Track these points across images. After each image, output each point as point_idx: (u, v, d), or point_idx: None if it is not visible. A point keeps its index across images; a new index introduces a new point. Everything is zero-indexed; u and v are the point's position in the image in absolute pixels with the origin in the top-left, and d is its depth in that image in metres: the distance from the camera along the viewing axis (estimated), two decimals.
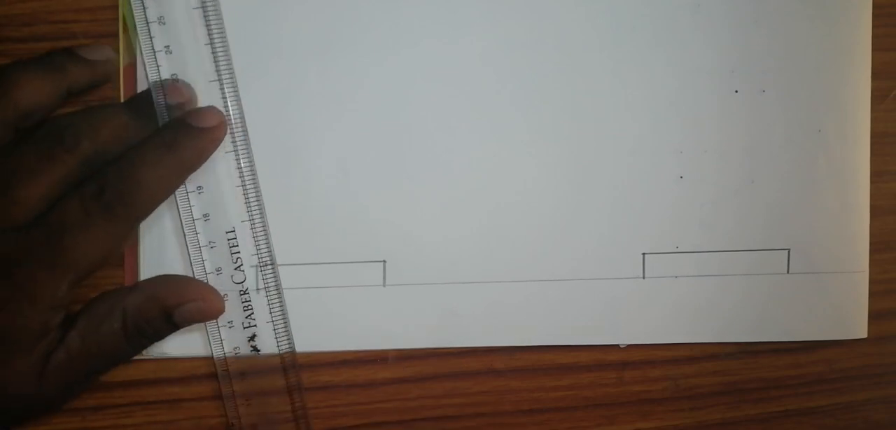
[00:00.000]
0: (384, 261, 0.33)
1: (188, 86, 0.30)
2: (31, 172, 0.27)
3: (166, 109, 0.30)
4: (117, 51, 0.32)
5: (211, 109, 0.30)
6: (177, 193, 0.30)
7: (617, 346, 0.35)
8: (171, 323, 0.30)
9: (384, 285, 0.33)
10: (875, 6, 0.34)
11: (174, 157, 0.29)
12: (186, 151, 0.29)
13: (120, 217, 0.28)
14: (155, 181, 0.28)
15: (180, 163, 0.29)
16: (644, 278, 0.34)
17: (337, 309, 0.33)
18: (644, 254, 0.34)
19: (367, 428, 0.34)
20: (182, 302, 0.30)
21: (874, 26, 0.34)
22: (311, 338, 0.33)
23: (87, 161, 0.28)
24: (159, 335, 0.30)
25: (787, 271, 0.34)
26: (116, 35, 0.32)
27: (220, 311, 0.31)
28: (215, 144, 0.30)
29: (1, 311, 0.27)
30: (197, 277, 0.31)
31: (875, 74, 0.35)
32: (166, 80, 0.30)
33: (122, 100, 0.32)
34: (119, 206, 0.28)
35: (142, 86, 0.32)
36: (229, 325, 0.32)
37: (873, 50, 0.34)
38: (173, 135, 0.29)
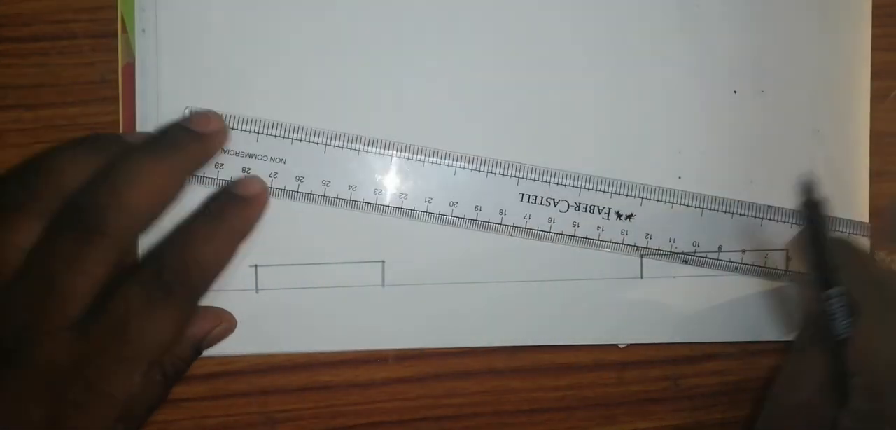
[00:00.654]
0: (383, 261, 0.33)
1: (217, 115, 0.30)
2: (72, 262, 0.25)
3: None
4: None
5: (254, 178, 0.31)
6: None
7: (616, 346, 0.35)
8: (198, 353, 0.31)
9: (383, 286, 0.33)
10: (875, 6, 0.34)
11: (226, 229, 0.29)
12: (236, 220, 0.29)
13: (181, 297, 0.27)
14: (211, 256, 0.28)
15: (232, 234, 0.29)
16: (642, 278, 0.34)
17: (336, 309, 0.33)
18: (642, 254, 0.34)
19: (366, 428, 0.34)
20: (208, 332, 0.30)
21: (874, 26, 0.34)
22: (311, 338, 0.33)
23: (123, 236, 0.26)
24: (189, 367, 0.31)
25: (786, 271, 0.34)
26: (116, 35, 0.32)
27: (235, 326, 0.32)
28: (262, 210, 0.30)
29: (80, 415, 0.25)
30: None
31: (875, 74, 0.35)
32: (199, 111, 0.30)
33: (120, 101, 0.32)
34: (179, 286, 0.27)
35: (142, 86, 0.32)
36: None
37: (873, 50, 0.34)
38: (221, 207, 0.29)
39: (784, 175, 0.34)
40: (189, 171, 0.29)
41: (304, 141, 0.32)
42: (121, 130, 0.32)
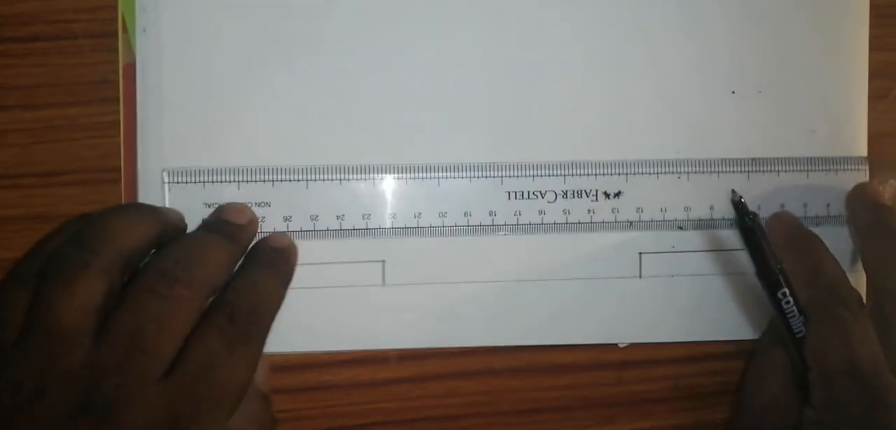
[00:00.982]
0: (383, 261, 0.33)
1: (247, 206, 0.32)
2: (159, 320, 0.26)
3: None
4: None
5: (281, 234, 0.32)
6: None
7: (616, 345, 0.35)
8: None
9: (383, 285, 0.33)
10: (873, 6, 0.35)
11: (276, 274, 0.30)
12: (284, 266, 0.31)
13: (254, 338, 0.28)
14: (271, 298, 0.30)
15: (284, 277, 0.31)
16: (641, 277, 0.34)
17: (336, 309, 0.33)
18: (641, 253, 0.34)
19: (366, 428, 0.34)
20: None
21: (872, 26, 0.35)
22: (311, 338, 0.33)
23: (202, 297, 0.28)
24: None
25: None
26: (116, 35, 0.32)
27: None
28: (296, 257, 0.32)
29: None
30: None
31: (873, 74, 0.35)
32: (232, 204, 0.32)
33: (121, 101, 0.32)
34: (252, 328, 0.28)
35: (141, 85, 0.32)
36: None
37: (871, 50, 0.35)
38: (269, 256, 0.31)
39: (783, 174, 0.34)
40: (238, 258, 0.30)
41: (286, 180, 0.32)
42: (121, 131, 0.32)
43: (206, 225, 0.31)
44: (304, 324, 0.33)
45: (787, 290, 0.29)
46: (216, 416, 0.26)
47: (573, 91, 0.34)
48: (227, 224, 0.31)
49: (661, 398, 0.35)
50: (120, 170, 0.32)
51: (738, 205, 0.29)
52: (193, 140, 0.32)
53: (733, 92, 0.34)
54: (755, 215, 0.29)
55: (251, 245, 0.31)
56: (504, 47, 0.33)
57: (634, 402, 0.35)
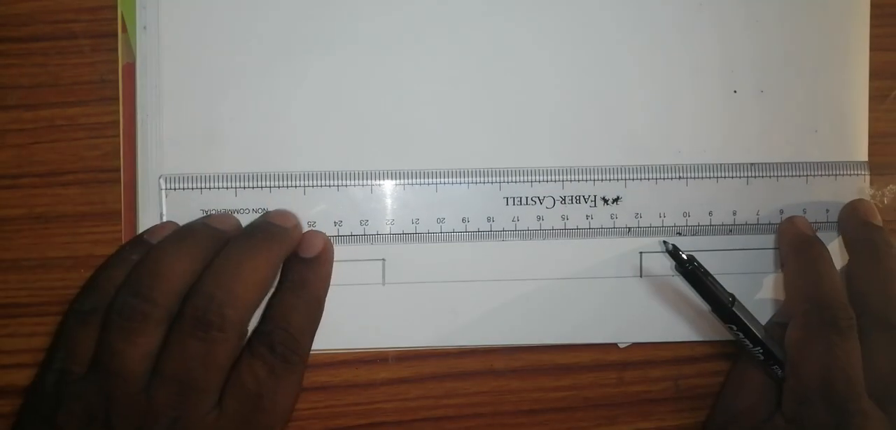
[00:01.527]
0: (383, 260, 0.33)
1: (291, 213, 0.32)
2: (205, 360, 0.28)
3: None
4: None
5: (316, 234, 0.32)
6: None
7: (616, 345, 0.35)
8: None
9: (383, 284, 0.33)
10: (874, 6, 0.35)
11: (311, 293, 0.31)
12: (315, 283, 0.32)
13: (298, 363, 0.30)
14: (306, 322, 0.31)
15: (315, 296, 0.31)
16: (641, 277, 0.34)
17: (336, 308, 0.33)
18: (642, 253, 0.34)
19: (366, 428, 0.34)
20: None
21: (873, 26, 0.35)
22: None
23: (241, 327, 0.29)
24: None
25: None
26: (115, 35, 0.32)
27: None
28: (331, 261, 0.32)
29: None
30: None
31: (874, 74, 0.35)
32: (278, 210, 0.32)
33: (120, 101, 0.32)
34: (292, 354, 0.30)
35: (142, 82, 0.32)
36: None
37: (872, 50, 0.35)
38: (297, 273, 0.31)
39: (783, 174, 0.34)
40: (280, 261, 0.31)
41: (283, 187, 0.32)
42: (121, 130, 0.32)
43: (247, 232, 0.31)
44: None
45: (734, 326, 0.31)
46: None
47: (572, 96, 0.34)
48: (273, 228, 0.31)
49: (662, 399, 0.35)
50: (120, 170, 0.32)
51: (674, 254, 0.29)
52: (193, 139, 0.32)
53: (735, 91, 0.34)
54: (692, 257, 0.30)
55: (291, 258, 0.32)
56: (503, 52, 0.33)
57: (635, 402, 0.35)
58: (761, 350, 0.31)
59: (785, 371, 0.31)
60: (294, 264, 0.31)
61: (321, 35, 0.33)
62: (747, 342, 0.31)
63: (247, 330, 0.30)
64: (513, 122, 0.33)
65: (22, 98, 0.32)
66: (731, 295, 0.30)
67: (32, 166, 0.33)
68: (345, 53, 0.33)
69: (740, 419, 0.32)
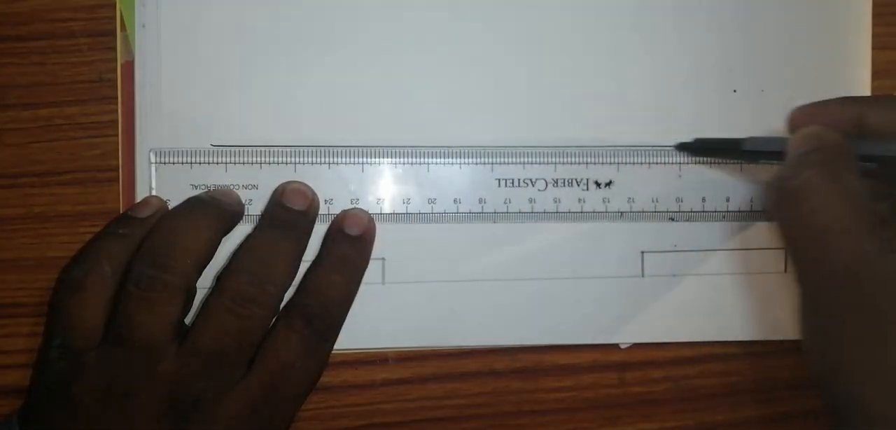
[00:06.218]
0: (383, 259, 0.33)
1: (307, 187, 0.32)
2: (238, 336, 0.29)
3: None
4: None
5: (360, 213, 0.32)
6: None
7: (617, 346, 0.35)
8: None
9: (383, 283, 0.33)
10: (875, 6, 0.34)
11: (350, 270, 0.31)
12: (357, 259, 0.32)
13: (330, 338, 0.31)
14: (344, 296, 0.31)
15: (355, 273, 0.32)
16: (643, 276, 0.34)
17: None
18: (643, 252, 0.34)
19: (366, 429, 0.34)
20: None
21: (874, 26, 0.34)
22: None
23: (277, 300, 0.30)
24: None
25: (786, 270, 0.34)
26: (114, 33, 0.32)
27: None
28: (372, 242, 0.32)
29: None
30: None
31: (875, 74, 0.35)
32: (293, 186, 0.32)
33: (119, 99, 0.32)
34: (327, 329, 0.30)
35: (141, 81, 0.32)
36: None
37: (874, 49, 0.34)
38: (340, 249, 0.31)
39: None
40: (304, 247, 0.31)
41: (274, 163, 0.32)
42: (119, 129, 0.32)
43: (271, 220, 0.31)
44: None
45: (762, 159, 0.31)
46: (292, 407, 0.30)
47: (568, 84, 0.33)
48: (289, 213, 0.31)
49: (663, 400, 0.35)
50: (118, 169, 0.32)
51: (681, 147, 0.32)
52: (192, 138, 0.32)
53: (735, 91, 0.34)
54: (696, 139, 0.32)
55: (327, 233, 0.32)
56: (498, 32, 0.33)
57: (636, 403, 0.35)
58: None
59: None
60: (337, 239, 0.31)
61: (320, 32, 0.32)
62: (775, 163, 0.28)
63: (280, 305, 0.30)
64: (506, 104, 0.33)
65: (20, 97, 0.32)
66: (737, 140, 0.31)
67: (31, 166, 0.32)
68: (344, 52, 0.33)
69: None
